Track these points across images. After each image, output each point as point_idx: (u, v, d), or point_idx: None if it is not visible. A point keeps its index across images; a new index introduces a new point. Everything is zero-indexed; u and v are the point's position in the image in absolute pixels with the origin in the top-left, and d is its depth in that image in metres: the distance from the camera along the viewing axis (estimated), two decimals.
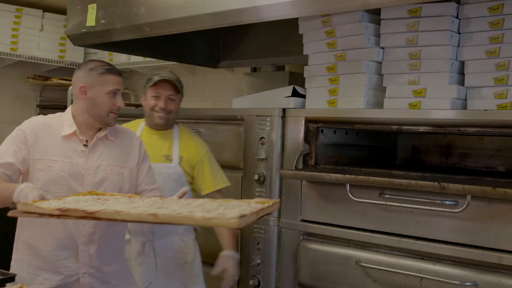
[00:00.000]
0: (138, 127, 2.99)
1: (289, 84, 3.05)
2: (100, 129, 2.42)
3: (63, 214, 1.92)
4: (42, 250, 2.34)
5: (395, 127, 2.52)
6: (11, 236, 2.46)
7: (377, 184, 2.43)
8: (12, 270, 2.32)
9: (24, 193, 2.09)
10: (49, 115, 2.47)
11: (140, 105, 4.29)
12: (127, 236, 2.79)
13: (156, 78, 2.87)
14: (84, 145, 2.38)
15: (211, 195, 2.81)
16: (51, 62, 5.27)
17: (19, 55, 5.06)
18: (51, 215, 1.93)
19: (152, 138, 2.91)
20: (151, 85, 2.89)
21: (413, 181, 2.31)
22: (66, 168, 2.34)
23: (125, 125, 2.89)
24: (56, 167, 2.33)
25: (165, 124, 2.91)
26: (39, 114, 5.56)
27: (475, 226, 2.24)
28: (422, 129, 2.45)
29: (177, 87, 2.89)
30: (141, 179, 2.52)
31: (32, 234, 2.36)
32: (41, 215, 1.95)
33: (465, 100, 2.48)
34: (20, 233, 2.41)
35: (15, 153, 2.30)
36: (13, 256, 2.42)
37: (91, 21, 3.33)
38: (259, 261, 2.88)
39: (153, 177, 2.58)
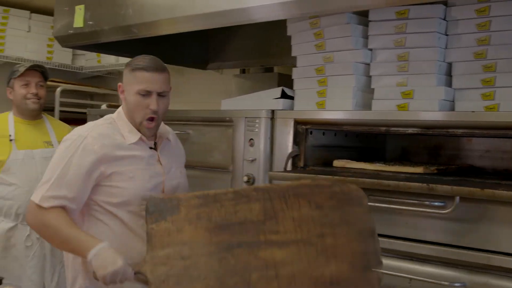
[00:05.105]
0: (7, 120, 3.15)
1: (278, 86, 3.03)
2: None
3: None
4: None
5: (383, 128, 2.52)
6: None
7: (365, 185, 2.43)
8: None
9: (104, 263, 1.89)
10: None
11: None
12: (12, 223, 3.09)
13: (22, 69, 3.12)
14: (151, 148, 2.31)
15: None
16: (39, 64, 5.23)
17: (6, 56, 5.03)
18: None
19: (27, 127, 3.16)
20: (18, 76, 3.10)
21: (401, 182, 2.31)
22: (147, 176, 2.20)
23: None
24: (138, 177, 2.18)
25: (38, 109, 3.16)
26: None
27: (464, 227, 2.25)
28: (410, 130, 2.46)
29: (43, 74, 3.18)
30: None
31: None
32: None
33: (453, 101, 2.49)
34: None
35: None
36: None
37: (78, 22, 3.32)
38: None
39: None
